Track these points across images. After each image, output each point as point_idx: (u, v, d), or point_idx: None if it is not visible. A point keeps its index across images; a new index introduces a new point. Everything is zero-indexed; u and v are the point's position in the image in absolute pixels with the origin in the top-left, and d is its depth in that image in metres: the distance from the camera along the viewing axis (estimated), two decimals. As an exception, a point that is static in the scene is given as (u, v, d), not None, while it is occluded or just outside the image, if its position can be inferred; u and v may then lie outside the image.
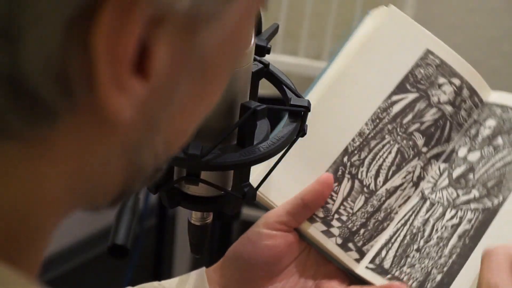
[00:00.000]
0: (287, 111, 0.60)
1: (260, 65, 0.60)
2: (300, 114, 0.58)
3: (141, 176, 0.36)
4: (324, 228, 0.68)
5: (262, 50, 0.59)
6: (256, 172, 0.66)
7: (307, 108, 0.59)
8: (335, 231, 0.69)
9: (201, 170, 0.56)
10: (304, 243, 0.70)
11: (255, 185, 0.60)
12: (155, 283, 0.69)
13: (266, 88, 0.66)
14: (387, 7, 0.74)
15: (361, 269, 0.69)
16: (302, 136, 0.60)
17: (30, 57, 0.27)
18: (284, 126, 0.58)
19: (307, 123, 0.60)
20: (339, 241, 0.68)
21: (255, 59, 0.59)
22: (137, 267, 1.64)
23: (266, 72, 0.61)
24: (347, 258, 0.69)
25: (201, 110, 0.36)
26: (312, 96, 0.71)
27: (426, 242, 0.69)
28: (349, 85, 0.72)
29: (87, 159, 0.32)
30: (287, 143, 0.57)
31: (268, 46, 0.60)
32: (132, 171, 0.34)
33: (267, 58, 0.61)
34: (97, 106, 0.29)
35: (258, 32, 0.59)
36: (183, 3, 0.29)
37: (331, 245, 0.68)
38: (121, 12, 0.27)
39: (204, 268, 0.70)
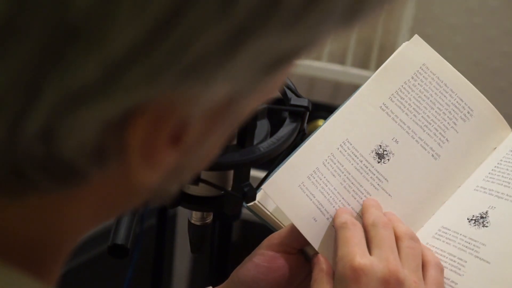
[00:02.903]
0: (287, 111, 0.60)
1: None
2: (300, 114, 0.59)
3: (161, 198, 0.37)
4: None
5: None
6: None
7: (307, 108, 0.59)
8: None
9: (201, 170, 0.56)
10: (310, 265, 0.67)
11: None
12: None
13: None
14: (414, 36, 0.73)
15: None
16: (302, 136, 0.60)
17: (69, 148, 0.28)
18: (284, 126, 0.58)
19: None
20: None
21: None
22: (137, 267, 1.64)
23: (266, 72, 0.61)
24: None
25: (223, 144, 0.36)
26: (333, 118, 0.69)
27: None
28: (364, 106, 0.70)
29: (112, 201, 0.34)
30: (287, 143, 0.57)
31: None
32: (154, 197, 0.36)
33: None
34: (127, 174, 0.30)
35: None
36: (220, 97, 0.29)
37: None
38: (158, 117, 0.28)
39: None
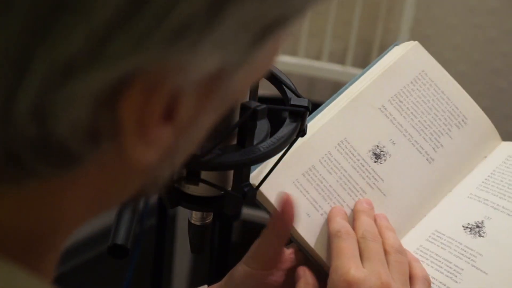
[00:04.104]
0: (287, 111, 0.60)
1: (260, 65, 0.60)
2: (300, 114, 0.58)
3: (156, 186, 0.37)
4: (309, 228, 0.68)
5: (262, 50, 0.59)
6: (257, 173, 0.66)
7: (307, 108, 0.58)
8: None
9: (201, 170, 0.56)
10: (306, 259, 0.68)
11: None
12: None
13: (266, 88, 0.66)
14: (414, 42, 0.76)
15: None
16: (302, 136, 0.60)
17: (62, 126, 0.28)
18: (284, 126, 0.58)
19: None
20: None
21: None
22: (137, 267, 1.64)
23: (266, 72, 0.61)
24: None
25: (214, 122, 0.36)
26: (326, 113, 0.71)
27: None
28: (364, 107, 0.72)
29: (107, 187, 0.33)
30: (287, 143, 0.57)
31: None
32: (149, 183, 0.36)
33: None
34: (122, 154, 0.30)
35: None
36: (210, 67, 0.29)
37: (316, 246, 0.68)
38: (149, 88, 0.28)
39: (205, 287, 0.69)
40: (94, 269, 2.04)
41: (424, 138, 0.73)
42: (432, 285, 0.66)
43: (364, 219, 0.65)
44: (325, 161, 0.69)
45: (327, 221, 0.66)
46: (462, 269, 0.68)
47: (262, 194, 0.67)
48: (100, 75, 0.27)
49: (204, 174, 0.56)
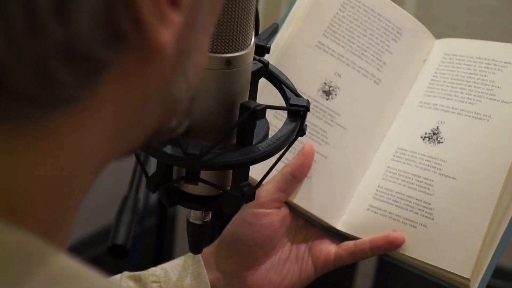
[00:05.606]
0: (286, 111, 0.60)
1: (260, 65, 0.60)
2: (299, 113, 0.59)
3: (176, 109, 0.38)
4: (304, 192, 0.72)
5: (261, 50, 0.59)
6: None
7: (306, 108, 0.58)
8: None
9: (201, 170, 0.56)
10: (293, 215, 0.73)
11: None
12: (153, 269, 0.71)
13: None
14: None
15: (341, 224, 0.72)
16: (302, 135, 0.60)
17: (81, 24, 0.28)
18: (284, 126, 0.58)
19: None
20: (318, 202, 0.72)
21: (254, 59, 0.59)
22: (137, 267, 1.64)
23: (265, 71, 0.61)
24: (327, 217, 0.72)
25: (214, 23, 0.38)
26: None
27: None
28: (301, 49, 0.73)
29: (128, 108, 0.34)
30: (287, 142, 0.57)
31: (268, 45, 0.60)
32: (168, 104, 0.36)
33: (267, 57, 0.61)
34: (143, 47, 0.31)
35: (257, 31, 0.59)
36: None
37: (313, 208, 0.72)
38: None
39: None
40: (94, 269, 2.03)
41: (366, 62, 0.74)
42: (409, 203, 0.69)
43: None
44: (279, 114, 0.71)
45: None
46: (432, 180, 0.69)
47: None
48: None
49: (203, 174, 0.56)
